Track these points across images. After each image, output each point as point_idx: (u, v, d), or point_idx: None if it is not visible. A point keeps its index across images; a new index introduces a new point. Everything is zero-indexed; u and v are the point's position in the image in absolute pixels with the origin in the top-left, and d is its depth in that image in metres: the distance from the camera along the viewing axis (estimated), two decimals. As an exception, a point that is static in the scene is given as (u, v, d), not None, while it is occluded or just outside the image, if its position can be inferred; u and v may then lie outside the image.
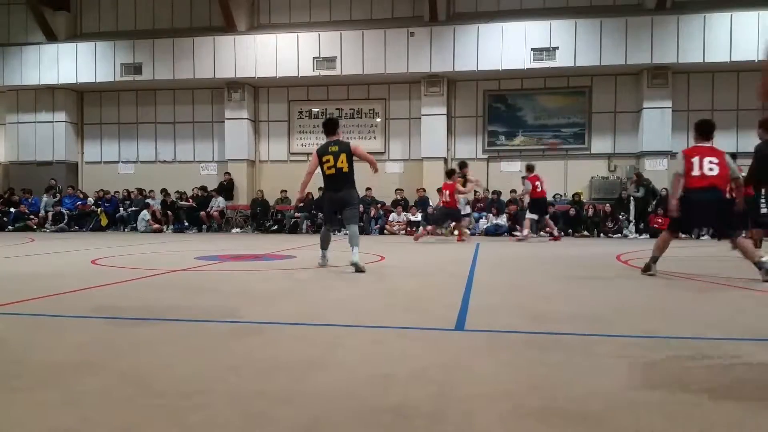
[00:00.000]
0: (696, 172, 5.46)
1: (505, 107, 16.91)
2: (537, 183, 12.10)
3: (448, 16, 16.25)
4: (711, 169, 5.44)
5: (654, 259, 5.75)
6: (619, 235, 14.22)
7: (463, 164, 12.56)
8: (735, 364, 2.47)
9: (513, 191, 15.49)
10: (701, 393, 2.08)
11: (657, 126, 15.52)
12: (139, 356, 2.62)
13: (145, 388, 2.14)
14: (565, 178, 16.40)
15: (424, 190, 16.02)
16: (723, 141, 15.63)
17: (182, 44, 16.95)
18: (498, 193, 15.56)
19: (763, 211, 7.74)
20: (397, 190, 16.28)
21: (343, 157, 6.18)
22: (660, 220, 13.92)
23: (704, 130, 5.75)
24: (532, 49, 15.40)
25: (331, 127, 6.42)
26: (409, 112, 17.10)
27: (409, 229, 15.19)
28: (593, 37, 15.21)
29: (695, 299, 4.48)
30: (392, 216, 15.56)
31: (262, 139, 18.05)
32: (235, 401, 1.98)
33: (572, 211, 14.63)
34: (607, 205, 14.76)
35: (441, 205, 12.03)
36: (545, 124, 16.67)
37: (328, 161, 6.20)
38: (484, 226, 14.87)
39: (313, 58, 16.33)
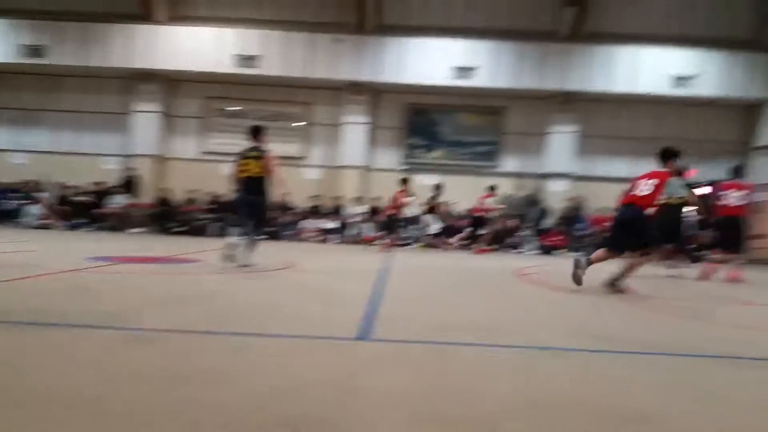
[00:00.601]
0: (633, 191, 5.93)
1: (425, 121, 17.28)
2: (482, 201, 13.41)
3: (375, 26, 16.42)
4: (642, 190, 5.87)
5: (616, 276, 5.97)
6: (520, 250, 14.90)
7: (405, 180, 12.88)
8: (600, 376, 2.65)
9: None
10: (585, 404, 2.20)
11: (561, 149, 16.43)
12: (12, 366, 2.43)
13: (18, 404, 1.98)
14: (476, 193, 16.93)
15: (341, 197, 16.03)
16: (620, 167, 16.84)
17: (93, 29, 16.00)
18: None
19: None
20: (312, 196, 16.17)
21: (258, 163, 6.49)
22: (554, 239, 14.76)
23: (660, 155, 6.21)
24: (453, 67, 15.85)
25: (255, 132, 6.76)
26: (333, 119, 17.06)
27: (323, 236, 15.13)
28: (510, 60, 15.89)
29: (591, 313, 4.75)
30: (306, 222, 15.43)
31: (173, 135, 17.34)
32: (125, 417, 1.88)
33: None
34: (513, 221, 15.42)
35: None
36: (461, 140, 17.19)
37: (245, 165, 6.55)
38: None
39: (234, 55, 15.94)
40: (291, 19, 16.48)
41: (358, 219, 15.48)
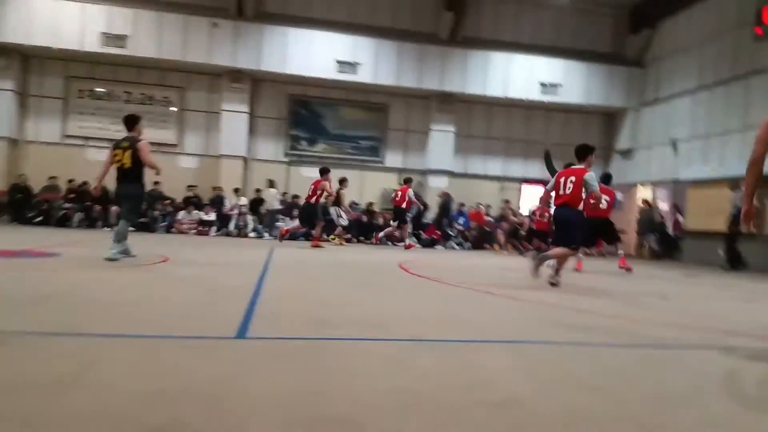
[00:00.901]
0: (560, 191, 6.40)
1: (308, 113, 17.10)
2: (398, 193, 13.43)
3: (255, 13, 15.94)
4: (568, 188, 6.31)
5: (556, 270, 6.41)
6: (404, 244, 15.25)
7: (324, 170, 12.11)
8: (483, 365, 2.77)
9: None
10: (458, 392, 2.28)
11: (441, 147, 17.03)
12: None
13: None
14: (361, 187, 17.12)
15: (220, 188, 15.44)
16: (493, 166, 17.84)
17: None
18: (297, 196, 15.70)
19: None
20: (189, 186, 15.42)
21: (129, 153, 6.43)
22: (433, 232, 15.34)
23: (577, 153, 6.61)
24: (337, 61, 15.82)
25: (129, 122, 6.71)
26: (210, 106, 16.33)
27: (201, 228, 14.49)
28: (393, 58, 16.15)
29: (467, 305, 4.95)
30: (182, 214, 14.69)
31: (30, 117, 15.70)
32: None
33: (364, 219, 15.30)
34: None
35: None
36: (345, 134, 17.23)
37: (117, 155, 6.50)
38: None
39: (101, 33, 14.73)
40: (165, -1, 15.58)
41: (237, 211, 15.01)
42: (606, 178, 9.71)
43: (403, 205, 13.26)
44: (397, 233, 13.86)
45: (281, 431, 1.81)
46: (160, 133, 15.47)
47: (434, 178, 16.97)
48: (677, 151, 15.34)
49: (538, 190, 17.36)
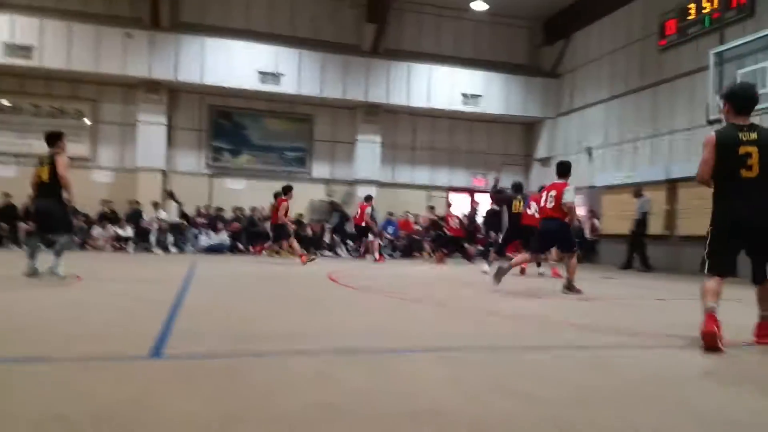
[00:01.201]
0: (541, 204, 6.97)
1: (231, 124, 16.71)
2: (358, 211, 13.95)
3: (171, 23, 15.46)
4: (549, 202, 6.80)
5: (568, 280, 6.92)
6: (333, 253, 15.17)
7: (287, 188, 11.98)
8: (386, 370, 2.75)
9: (238, 209, 15.48)
10: (377, 404, 2.23)
11: (368, 157, 17.08)
12: None
13: None
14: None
15: (138, 203, 14.77)
16: (419, 175, 18.08)
17: None
18: (221, 209, 15.29)
19: None
20: (104, 201, 14.66)
21: (47, 168, 6.44)
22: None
23: (559, 169, 7.16)
24: (258, 71, 15.57)
25: (50, 139, 6.73)
26: (126, 118, 15.62)
27: (117, 244, 13.80)
28: (316, 69, 16.06)
29: (393, 315, 4.93)
30: (97, 230, 13.93)
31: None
32: None
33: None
34: (325, 225, 15.67)
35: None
36: (270, 145, 16.96)
37: (37, 172, 6.56)
38: (204, 244, 14.40)
39: (4, 43, 13.80)
40: (75, 9, 14.80)
41: (156, 225, 14.40)
42: (517, 188, 10.19)
43: (363, 224, 13.67)
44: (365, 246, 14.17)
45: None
46: (73, 147, 14.37)
47: (362, 188, 16.96)
48: (592, 159, 16.12)
49: (464, 198, 18.01)
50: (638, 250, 12.45)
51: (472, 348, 3.52)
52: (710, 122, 10.62)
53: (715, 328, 3.41)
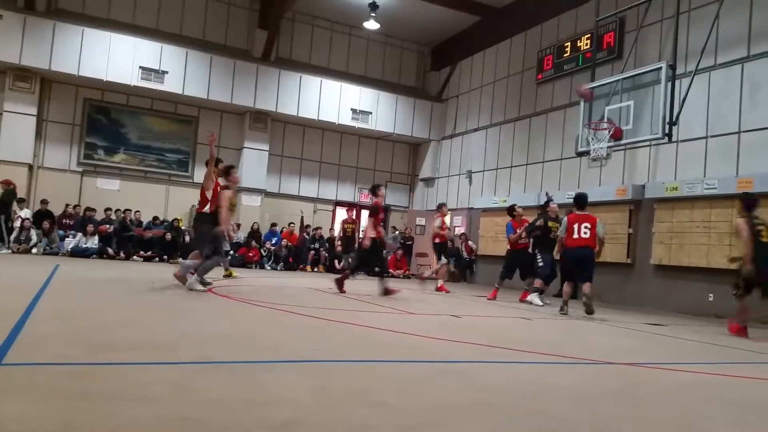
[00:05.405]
0: (574, 235, 7.66)
1: (107, 120, 15.71)
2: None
3: (48, 8, 14.33)
4: (585, 233, 7.58)
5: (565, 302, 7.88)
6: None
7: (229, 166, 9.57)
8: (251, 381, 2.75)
9: (108, 209, 14.53)
10: (235, 415, 2.23)
11: (255, 165, 16.75)
12: None
13: None
14: (166, 203, 16.12)
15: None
16: (307, 187, 18.01)
17: None
18: (93, 211, 14.27)
19: (540, 264, 9.38)
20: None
21: None
22: (248, 253, 15.00)
23: (577, 202, 7.97)
24: (140, 67, 14.82)
25: None
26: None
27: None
28: (203, 70, 15.57)
29: (265, 325, 4.88)
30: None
31: None
32: None
33: (168, 236, 14.38)
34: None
35: None
36: (150, 145, 16.13)
37: None
38: (70, 246, 13.37)
39: None
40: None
41: (18, 223, 13.14)
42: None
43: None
44: None
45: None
46: None
47: (247, 197, 16.61)
48: (471, 182, 16.98)
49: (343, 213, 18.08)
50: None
51: (338, 360, 3.58)
52: (579, 154, 11.53)
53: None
